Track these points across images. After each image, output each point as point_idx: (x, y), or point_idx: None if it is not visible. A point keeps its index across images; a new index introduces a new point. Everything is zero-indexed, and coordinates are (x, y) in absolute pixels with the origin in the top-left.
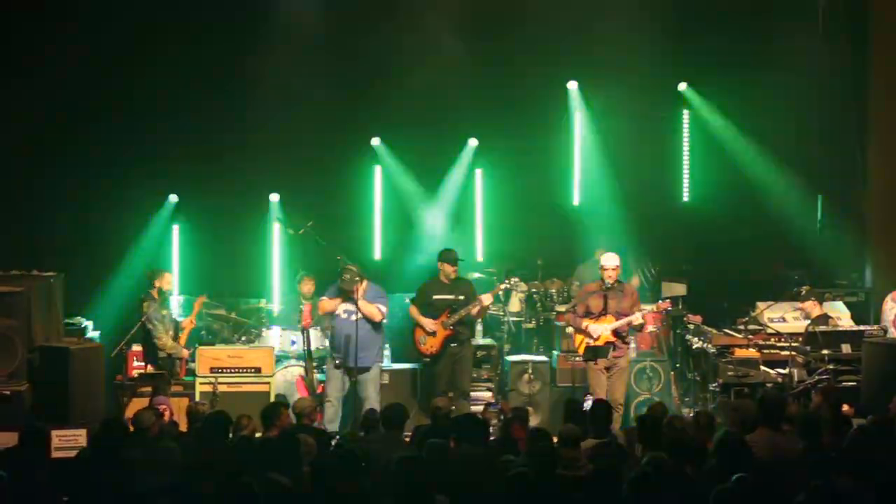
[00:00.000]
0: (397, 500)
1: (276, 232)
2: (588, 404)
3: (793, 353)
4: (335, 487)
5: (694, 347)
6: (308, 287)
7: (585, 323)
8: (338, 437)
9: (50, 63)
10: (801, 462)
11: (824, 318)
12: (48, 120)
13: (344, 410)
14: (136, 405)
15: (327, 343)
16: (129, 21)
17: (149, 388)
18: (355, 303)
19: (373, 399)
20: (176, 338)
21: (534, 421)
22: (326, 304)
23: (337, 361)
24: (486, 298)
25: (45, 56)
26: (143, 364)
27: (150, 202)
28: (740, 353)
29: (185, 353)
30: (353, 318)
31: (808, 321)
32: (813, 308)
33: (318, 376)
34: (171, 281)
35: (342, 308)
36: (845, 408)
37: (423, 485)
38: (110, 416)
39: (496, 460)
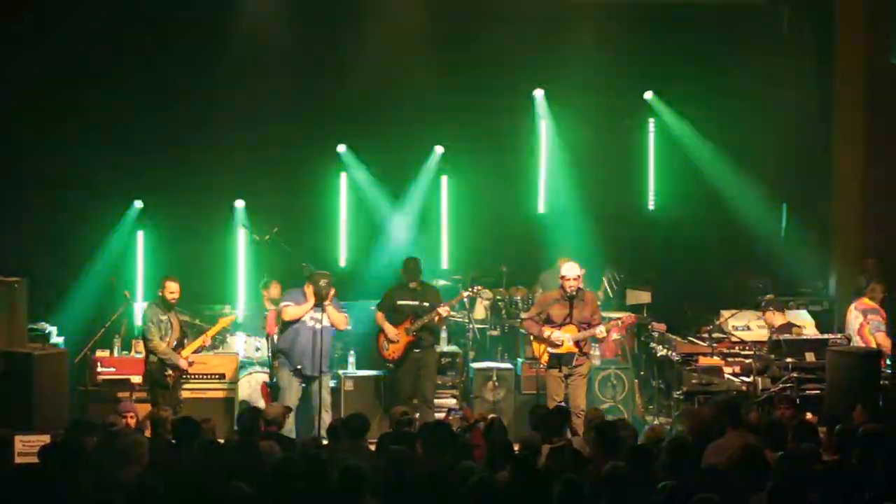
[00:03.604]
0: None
1: (241, 238)
2: None
3: (756, 361)
4: (299, 494)
5: (658, 355)
6: (276, 292)
7: (548, 332)
8: (301, 444)
9: (15, 67)
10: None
11: (788, 327)
12: (11, 124)
13: (299, 418)
14: (102, 411)
15: (266, 350)
16: (95, 27)
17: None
18: (323, 309)
19: (328, 404)
20: (178, 346)
21: None
22: (295, 310)
23: (298, 367)
24: (444, 310)
25: (9, 60)
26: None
27: (114, 208)
28: (704, 361)
29: (183, 362)
30: (319, 325)
31: (772, 329)
32: (773, 318)
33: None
34: (174, 290)
35: (308, 315)
36: (809, 416)
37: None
38: (76, 418)
39: (456, 466)
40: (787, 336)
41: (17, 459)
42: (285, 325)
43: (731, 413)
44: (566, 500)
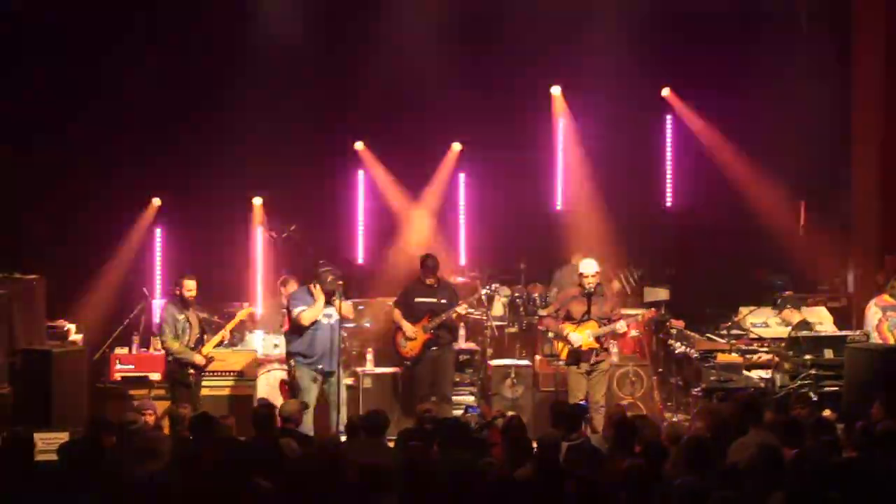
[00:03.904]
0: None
1: (259, 235)
2: None
3: (775, 357)
4: (317, 490)
5: (676, 352)
6: (294, 289)
7: (567, 330)
8: (320, 441)
9: (32, 64)
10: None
11: (805, 324)
12: (30, 121)
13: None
14: (121, 408)
15: (279, 347)
16: (112, 24)
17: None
18: (332, 305)
19: (344, 400)
20: (198, 343)
21: None
22: (311, 312)
23: (320, 366)
24: (462, 308)
25: (27, 57)
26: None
27: (133, 205)
28: (723, 357)
29: (199, 359)
30: (332, 320)
31: (790, 327)
32: (791, 315)
33: None
34: (191, 288)
35: (322, 313)
36: (827, 413)
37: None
38: (95, 416)
39: (477, 463)
40: (805, 333)
41: (37, 457)
42: (300, 328)
43: (753, 411)
44: (578, 498)
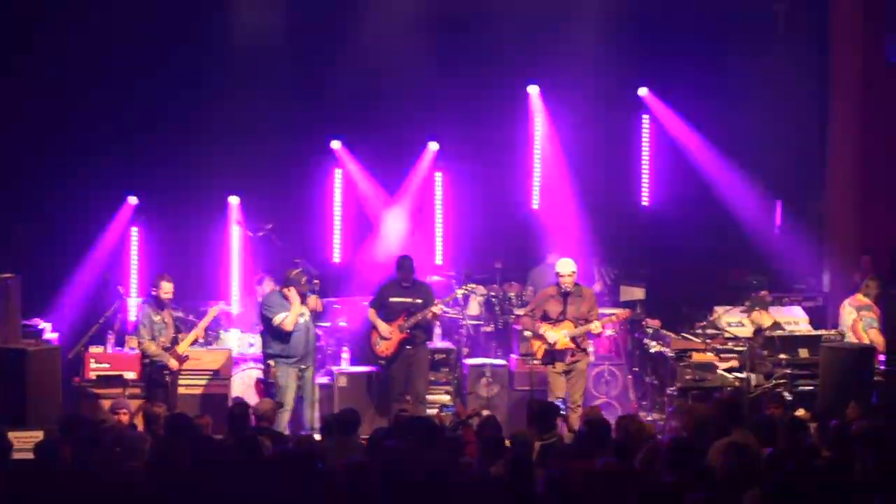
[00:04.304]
0: None
1: (236, 234)
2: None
3: (752, 352)
4: (292, 489)
5: (652, 351)
6: (270, 288)
7: (543, 329)
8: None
9: (8, 64)
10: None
11: (775, 328)
12: (5, 120)
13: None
14: (96, 407)
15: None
16: (88, 22)
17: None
18: (305, 304)
19: (316, 397)
20: (174, 342)
21: None
22: (292, 317)
23: (303, 367)
24: (437, 308)
25: (3, 57)
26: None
27: (108, 204)
28: (698, 357)
29: (174, 363)
30: (307, 318)
31: (759, 329)
32: (760, 317)
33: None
34: (168, 290)
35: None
36: (801, 412)
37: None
38: (69, 414)
39: (451, 462)
40: (780, 332)
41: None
42: (283, 334)
43: (736, 411)
44: (548, 498)
